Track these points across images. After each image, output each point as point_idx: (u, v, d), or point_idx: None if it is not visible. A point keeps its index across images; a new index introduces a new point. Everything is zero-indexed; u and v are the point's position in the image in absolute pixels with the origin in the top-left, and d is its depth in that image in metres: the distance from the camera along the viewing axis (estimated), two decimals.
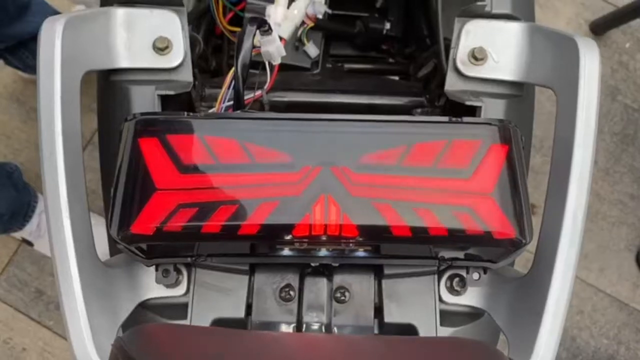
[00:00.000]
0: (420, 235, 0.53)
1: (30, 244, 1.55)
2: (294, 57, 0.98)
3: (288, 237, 0.53)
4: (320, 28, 0.99)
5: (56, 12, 1.43)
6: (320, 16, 0.96)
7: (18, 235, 1.53)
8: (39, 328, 1.55)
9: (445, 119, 0.55)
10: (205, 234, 0.52)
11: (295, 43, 0.98)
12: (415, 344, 0.51)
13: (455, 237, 0.53)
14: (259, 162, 0.53)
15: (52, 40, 0.57)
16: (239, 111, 0.62)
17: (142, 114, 0.55)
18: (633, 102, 1.73)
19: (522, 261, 0.73)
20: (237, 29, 0.95)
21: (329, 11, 0.99)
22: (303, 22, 0.95)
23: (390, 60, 1.14)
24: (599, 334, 1.62)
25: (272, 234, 0.53)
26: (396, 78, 1.11)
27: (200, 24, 0.98)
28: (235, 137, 0.53)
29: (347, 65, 1.09)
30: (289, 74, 0.95)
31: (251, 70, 0.76)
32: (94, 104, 0.75)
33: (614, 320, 1.62)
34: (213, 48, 1.05)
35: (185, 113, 0.55)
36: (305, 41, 0.97)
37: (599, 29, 1.75)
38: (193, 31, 0.94)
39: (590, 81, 0.57)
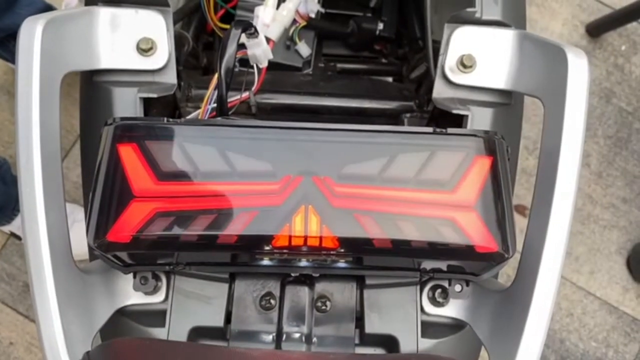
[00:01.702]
0: (401, 248, 0.52)
1: (18, 237, 1.54)
2: (285, 56, 0.97)
3: (267, 248, 0.52)
4: (313, 27, 0.98)
5: (46, 4, 1.41)
6: (312, 15, 0.95)
7: (6, 229, 1.52)
8: (26, 322, 1.55)
9: (430, 129, 0.54)
10: (183, 243, 0.51)
11: (286, 42, 0.97)
12: None
13: (437, 250, 0.52)
14: (240, 170, 0.52)
15: (31, 41, 0.55)
16: (220, 118, 0.61)
17: (122, 118, 0.54)
18: (627, 105, 1.73)
19: (514, 263, 0.72)
20: (229, 27, 0.94)
21: (322, 10, 0.98)
22: (295, 21, 0.94)
23: (383, 60, 1.13)
24: (588, 336, 1.62)
25: (251, 244, 0.52)
26: (389, 79, 1.10)
27: (191, 21, 0.97)
28: (216, 145, 0.52)
29: (339, 65, 1.08)
30: (280, 73, 0.94)
31: (240, 69, 0.75)
32: None
33: (603, 324, 1.62)
34: (204, 45, 1.04)
35: (165, 119, 0.54)
36: (297, 40, 0.96)
37: (595, 31, 1.74)
38: (183, 28, 0.93)
39: (578, 93, 0.56)
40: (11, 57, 1.48)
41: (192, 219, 0.51)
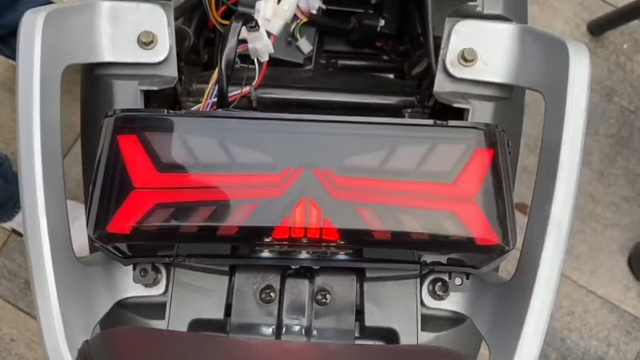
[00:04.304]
0: (401, 240, 0.52)
1: (20, 234, 1.54)
2: (286, 52, 0.97)
3: (268, 240, 0.52)
4: (314, 24, 0.98)
5: (49, 2, 1.41)
6: (314, 11, 0.95)
7: (8, 226, 1.52)
8: (27, 319, 1.55)
9: (430, 122, 0.54)
10: (183, 234, 0.52)
11: (288, 38, 0.97)
12: (392, 353, 0.50)
13: (437, 243, 0.52)
14: (240, 162, 0.52)
15: (32, 33, 0.55)
16: (220, 110, 0.61)
17: (123, 110, 0.54)
18: (629, 104, 1.73)
19: (513, 260, 0.72)
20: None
21: (323, 7, 0.98)
22: (296, 17, 0.94)
23: (385, 57, 1.13)
24: (589, 335, 1.62)
25: (252, 236, 0.52)
26: (391, 76, 1.10)
27: (193, 16, 0.97)
28: (216, 137, 0.53)
29: (340, 62, 1.08)
30: (281, 69, 0.94)
31: (241, 65, 0.75)
32: None
33: (605, 322, 1.62)
34: (205, 41, 1.04)
35: (166, 110, 0.54)
36: (299, 37, 0.96)
37: (597, 29, 1.74)
38: (184, 24, 0.93)
39: (580, 87, 0.56)
40: (13, 54, 1.48)
41: (192, 210, 0.51)
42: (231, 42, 0.60)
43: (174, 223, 0.51)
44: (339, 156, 0.52)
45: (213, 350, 0.45)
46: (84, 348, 0.42)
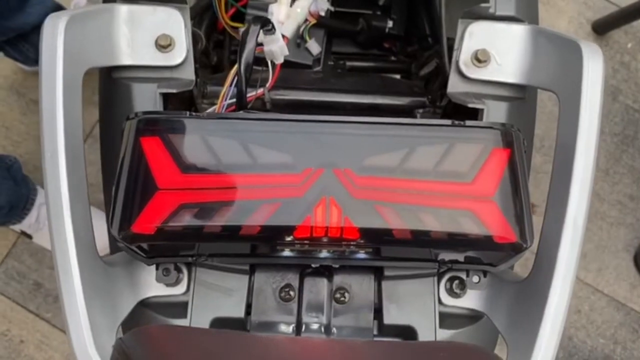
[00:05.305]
0: (421, 239, 0.53)
1: (29, 236, 1.55)
2: (295, 54, 0.98)
3: (289, 239, 0.53)
4: (323, 25, 0.99)
5: (56, 4, 1.42)
6: (322, 13, 0.96)
7: (17, 227, 1.53)
8: (37, 320, 1.56)
9: (448, 122, 0.55)
10: (206, 234, 0.52)
11: (297, 40, 0.97)
12: (414, 349, 0.51)
13: (456, 241, 0.53)
14: (261, 162, 0.53)
15: (54, 37, 0.56)
16: (241, 111, 0.62)
17: (145, 112, 0.55)
18: (634, 102, 1.73)
19: (522, 260, 0.73)
20: (239, 25, 0.95)
21: (332, 8, 0.98)
22: (305, 19, 0.95)
23: (393, 58, 1.14)
24: (595, 333, 1.62)
25: (273, 235, 0.53)
26: (398, 76, 1.11)
27: (202, 19, 0.98)
28: (238, 138, 0.53)
29: (348, 63, 1.09)
30: (290, 71, 0.95)
31: (254, 67, 0.76)
32: (95, 96, 0.74)
33: (611, 320, 1.63)
34: (214, 43, 1.05)
35: (188, 112, 0.55)
36: (307, 38, 0.97)
37: (601, 28, 1.75)
38: (195, 27, 0.94)
39: (594, 87, 0.56)
40: (21, 57, 1.49)
41: (215, 210, 0.52)
42: (250, 45, 0.61)
43: (197, 223, 0.52)
44: (359, 156, 0.53)
45: (244, 345, 0.46)
46: (119, 344, 0.43)
